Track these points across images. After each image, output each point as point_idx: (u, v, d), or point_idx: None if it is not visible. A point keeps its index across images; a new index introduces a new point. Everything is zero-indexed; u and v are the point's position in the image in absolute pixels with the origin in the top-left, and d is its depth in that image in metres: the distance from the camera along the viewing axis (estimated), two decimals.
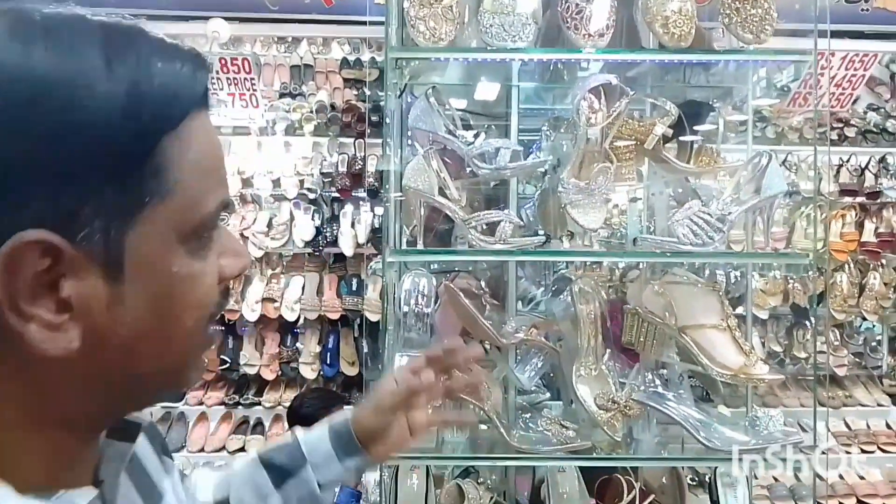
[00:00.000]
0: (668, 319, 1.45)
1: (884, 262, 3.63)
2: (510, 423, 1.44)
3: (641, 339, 1.51)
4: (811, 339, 3.51)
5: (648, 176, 1.55)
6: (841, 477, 3.18)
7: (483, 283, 1.64)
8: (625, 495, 1.42)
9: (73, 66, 0.40)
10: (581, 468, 1.50)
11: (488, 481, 1.54)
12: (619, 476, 1.47)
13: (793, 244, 3.54)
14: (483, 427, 1.49)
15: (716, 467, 1.47)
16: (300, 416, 2.45)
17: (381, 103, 3.66)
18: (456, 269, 1.64)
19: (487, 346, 1.43)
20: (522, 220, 1.44)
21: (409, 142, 1.67)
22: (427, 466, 1.43)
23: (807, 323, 3.61)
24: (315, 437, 0.82)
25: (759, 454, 1.35)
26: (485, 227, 1.38)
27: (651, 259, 1.48)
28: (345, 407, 0.93)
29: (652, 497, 1.45)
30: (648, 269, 1.62)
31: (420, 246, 1.37)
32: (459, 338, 0.95)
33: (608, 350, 1.55)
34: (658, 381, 1.46)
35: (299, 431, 0.84)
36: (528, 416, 1.44)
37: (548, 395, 1.64)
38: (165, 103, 0.43)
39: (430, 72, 1.59)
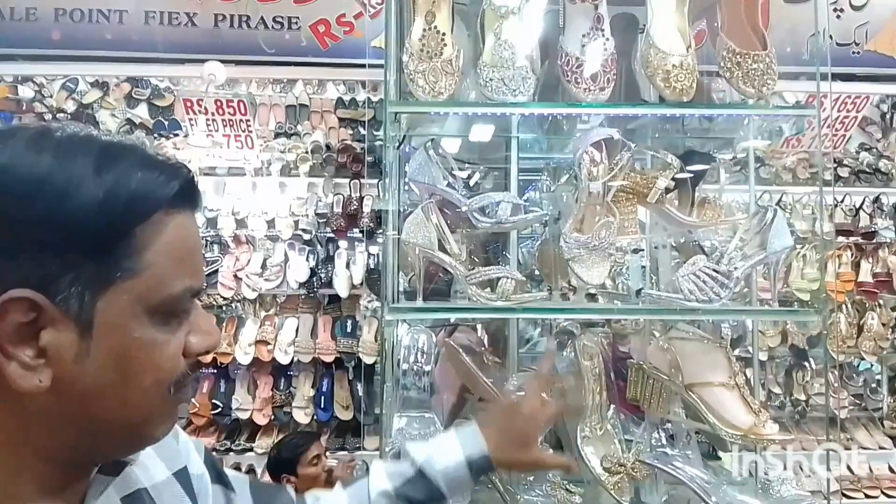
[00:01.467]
0: (674, 376, 1.41)
1: (881, 302, 3.62)
2: (512, 486, 1.39)
3: (647, 395, 1.48)
4: (810, 379, 3.48)
5: (650, 227, 1.53)
6: None
7: (483, 335, 1.61)
8: None
9: (69, 170, 0.52)
10: None
11: None
12: None
13: (790, 284, 3.54)
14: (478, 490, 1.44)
15: None
16: (281, 461, 2.39)
17: (378, 143, 3.70)
18: (455, 322, 1.60)
19: None
20: (521, 261, 1.41)
21: (407, 187, 1.65)
22: None
23: (806, 364, 3.58)
24: (453, 470, 0.85)
25: None
26: (485, 282, 1.35)
27: (658, 316, 1.45)
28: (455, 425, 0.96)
29: None
30: (650, 323, 1.58)
31: (419, 299, 1.33)
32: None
33: (612, 406, 1.51)
34: (665, 440, 1.42)
35: (430, 461, 0.84)
36: (531, 478, 1.39)
37: (550, 451, 1.58)
38: (137, 201, 0.54)
39: (428, 124, 1.58)
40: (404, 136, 1.55)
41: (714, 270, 1.34)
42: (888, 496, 3.23)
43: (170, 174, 0.56)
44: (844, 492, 3.22)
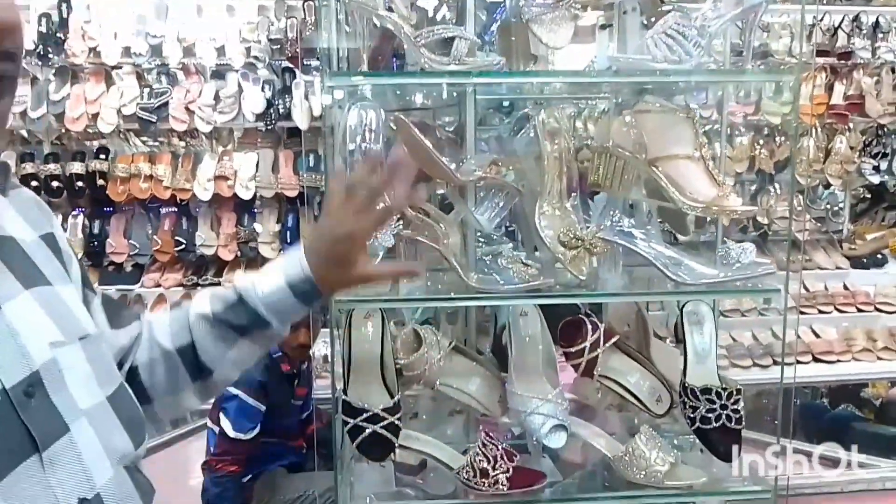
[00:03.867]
0: (638, 152, 1.34)
1: (850, 125, 3.58)
2: (469, 267, 1.35)
3: (608, 178, 1.41)
4: (774, 204, 3.50)
5: None
6: (798, 336, 3.25)
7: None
8: (589, 336, 1.37)
9: None
10: (544, 312, 1.43)
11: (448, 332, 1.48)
12: (583, 318, 1.41)
13: (762, 109, 3.45)
14: (440, 272, 1.41)
15: (682, 306, 1.42)
16: None
17: None
18: (407, 108, 1.49)
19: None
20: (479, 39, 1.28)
21: None
22: (382, 313, 1.35)
23: (771, 189, 3.59)
24: (274, 294, 0.82)
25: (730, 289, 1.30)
26: (435, 46, 1.22)
27: (621, 79, 1.35)
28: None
29: (617, 337, 1.40)
30: (617, 109, 1.49)
31: (363, 67, 1.21)
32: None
33: (573, 193, 1.45)
34: (625, 220, 1.38)
35: (252, 287, 0.83)
36: (488, 258, 1.35)
37: (510, 244, 1.54)
38: None
39: None
40: None
41: (686, 28, 1.23)
42: (840, 311, 3.36)
43: None
44: (799, 308, 3.34)
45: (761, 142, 3.50)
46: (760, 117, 3.47)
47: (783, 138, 3.49)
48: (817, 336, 3.28)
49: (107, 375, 0.70)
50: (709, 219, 1.47)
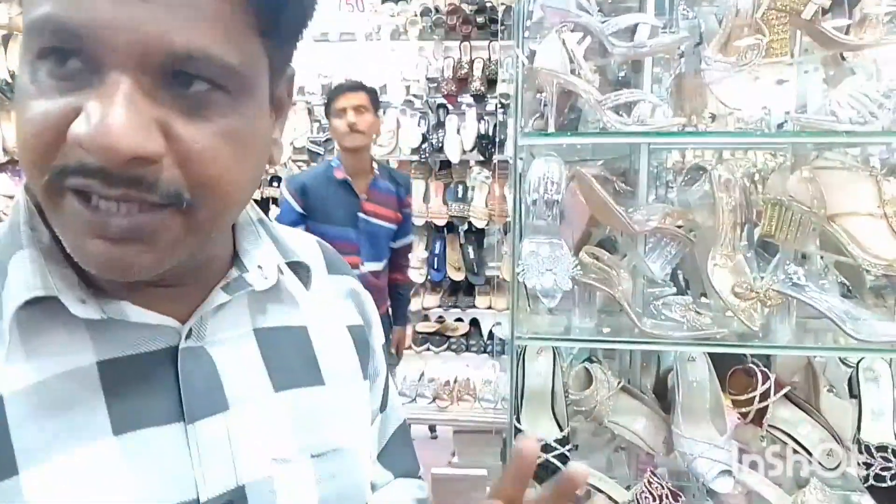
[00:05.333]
0: (816, 207, 1.36)
1: None
2: (641, 312, 1.43)
3: (783, 230, 1.43)
4: None
5: (800, 53, 1.43)
6: None
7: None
8: (759, 385, 1.39)
9: None
10: (712, 359, 1.47)
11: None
12: (752, 366, 1.44)
13: None
14: (609, 314, 1.49)
15: (858, 362, 1.41)
16: None
17: (487, 4, 3.58)
18: (583, 159, 1.60)
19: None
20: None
21: (527, 36, 1.60)
22: (553, 350, 1.46)
23: None
24: None
25: None
26: (620, 109, 1.33)
27: (803, 140, 1.38)
28: None
29: (788, 388, 1.42)
30: (792, 159, 1.52)
31: (550, 128, 1.34)
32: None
33: (746, 244, 1.49)
34: (800, 272, 1.39)
35: None
36: (660, 303, 1.42)
37: (674, 290, 1.60)
38: None
39: None
40: None
41: (871, 91, 1.25)
42: None
43: None
44: None
45: None
46: None
47: None
48: None
49: (337, 497, 0.59)
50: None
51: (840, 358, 1.58)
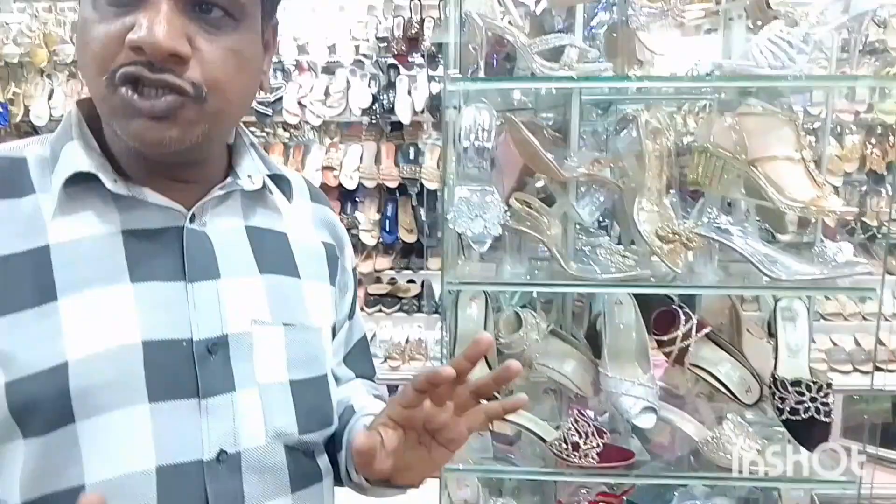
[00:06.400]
0: (739, 153, 1.40)
1: None
2: (569, 257, 1.46)
3: (708, 177, 1.47)
4: (885, 206, 3.36)
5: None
6: None
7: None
8: (682, 326, 1.44)
9: None
10: (638, 302, 1.51)
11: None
12: (676, 308, 1.48)
13: (876, 109, 3.33)
14: (541, 261, 1.52)
15: (777, 302, 1.47)
16: None
17: None
18: (515, 108, 1.61)
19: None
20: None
21: None
22: (486, 296, 1.48)
23: (882, 190, 3.45)
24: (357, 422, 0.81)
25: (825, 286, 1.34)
26: (548, 54, 1.33)
27: (722, 84, 1.41)
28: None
29: (709, 328, 1.47)
30: (718, 109, 1.55)
31: (480, 73, 1.34)
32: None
33: (672, 191, 1.52)
34: (723, 217, 1.44)
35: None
36: (587, 249, 1.45)
37: (606, 237, 1.63)
38: None
39: None
40: None
41: (791, 35, 1.27)
42: None
43: None
44: None
45: (873, 141, 3.38)
46: (874, 116, 3.35)
47: None
48: None
49: (302, 363, 0.73)
50: (813, 220, 1.50)
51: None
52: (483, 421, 0.71)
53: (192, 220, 0.70)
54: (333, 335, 0.83)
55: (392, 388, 3.59)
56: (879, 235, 3.40)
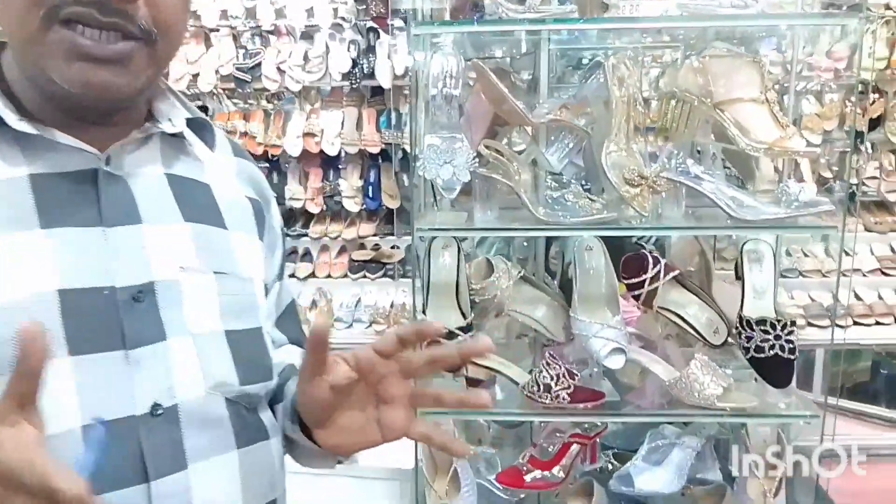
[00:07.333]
0: (705, 96, 1.41)
1: None
2: (539, 203, 1.47)
3: (675, 122, 1.48)
4: (864, 164, 3.39)
5: None
6: (880, 297, 3.19)
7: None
8: (650, 269, 1.46)
9: None
10: (610, 250, 1.53)
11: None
12: (645, 252, 1.50)
13: (854, 64, 3.33)
14: (512, 210, 1.53)
15: (743, 244, 1.49)
16: None
17: None
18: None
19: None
20: None
21: None
22: (458, 244, 1.49)
23: (862, 148, 3.47)
24: (292, 382, 0.76)
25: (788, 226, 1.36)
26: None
27: (685, 24, 1.41)
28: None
29: (677, 271, 1.49)
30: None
31: (447, 16, 1.33)
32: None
33: (640, 137, 1.53)
34: (689, 161, 1.45)
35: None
36: (556, 195, 1.46)
37: (576, 184, 1.64)
38: None
39: None
40: None
41: None
42: None
43: None
44: (885, 270, 3.26)
45: (853, 99, 3.39)
46: (853, 73, 3.35)
47: (877, 95, 3.37)
48: None
49: (237, 313, 0.70)
50: (784, 171, 1.52)
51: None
52: (430, 401, 0.66)
53: (107, 163, 0.65)
54: (265, 294, 0.79)
55: None
56: (859, 193, 3.43)
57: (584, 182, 1.75)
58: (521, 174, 1.46)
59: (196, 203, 0.71)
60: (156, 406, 0.62)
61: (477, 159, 1.43)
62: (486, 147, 1.44)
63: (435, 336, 0.63)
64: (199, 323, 0.66)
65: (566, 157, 1.49)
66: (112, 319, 0.61)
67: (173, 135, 0.71)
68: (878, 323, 3.08)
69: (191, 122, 0.74)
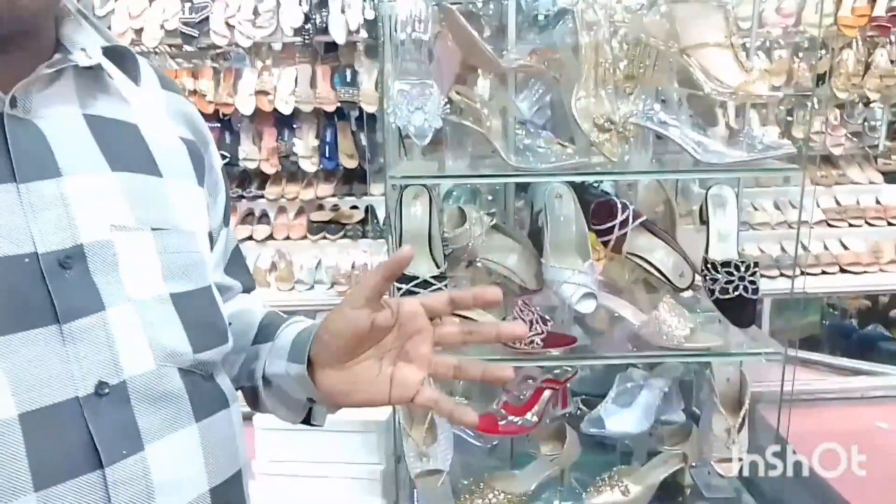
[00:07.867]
0: (671, 43, 1.42)
1: (893, 38, 3.51)
2: (510, 150, 1.47)
3: (641, 68, 1.49)
4: (811, 118, 3.49)
5: None
6: (826, 248, 3.33)
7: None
8: (619, 215, 1.48)
9: None
10: (579, 199, 1.55)
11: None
12: (614, 200, 1.52)
13: (803, 21, 3.41)
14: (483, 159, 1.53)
15: (708, 189, 1.53)
16: None
17: None
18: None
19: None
20: None
21: None
22: (429, 192, 1.48)
23: (808, 104, 3.57)
24: (294, 325, 0.74)
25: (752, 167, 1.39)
26: None
27: None
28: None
29: (644, 217, 1.52)
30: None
31: None
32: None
33: (608, 83, 1.53)
34: (656, 107, 1.46)
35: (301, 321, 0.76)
36: (527, 141, 1.46)
37: (547, 132, 1.64)
38: None
39: None
40: None
41: None
42: (871, 225, 3.40)
43: None
44: (829, 222, 3.40)
45: (801, 55, 3.47)
46: (801, 29, 3.43)
47: (824, 51, 3.46)
48: (846, 248, 3.34)
49: (181, 273, 0.62)
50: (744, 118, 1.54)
51: None
52: (450, 368, 0.64)
53: (12, 105, 0.55)
54: (211, 244, 0.72)
55: None
56: (806, 148, 3.54)
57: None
58: (492, 121, 1.45)
59: (123, 148, 0.62)
60: (101, 385, 0.55)
61: (448, 105, 1.41)
62: (458, 93, 1.42)
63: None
64: (139, 288, 0.58)
65: (536, 104, 1.49)
66: (38, 291, 0.53)
67: (89, 68, 0.60)
68: (824, 272, 3.23)
69: (108, 52, 0.63)
